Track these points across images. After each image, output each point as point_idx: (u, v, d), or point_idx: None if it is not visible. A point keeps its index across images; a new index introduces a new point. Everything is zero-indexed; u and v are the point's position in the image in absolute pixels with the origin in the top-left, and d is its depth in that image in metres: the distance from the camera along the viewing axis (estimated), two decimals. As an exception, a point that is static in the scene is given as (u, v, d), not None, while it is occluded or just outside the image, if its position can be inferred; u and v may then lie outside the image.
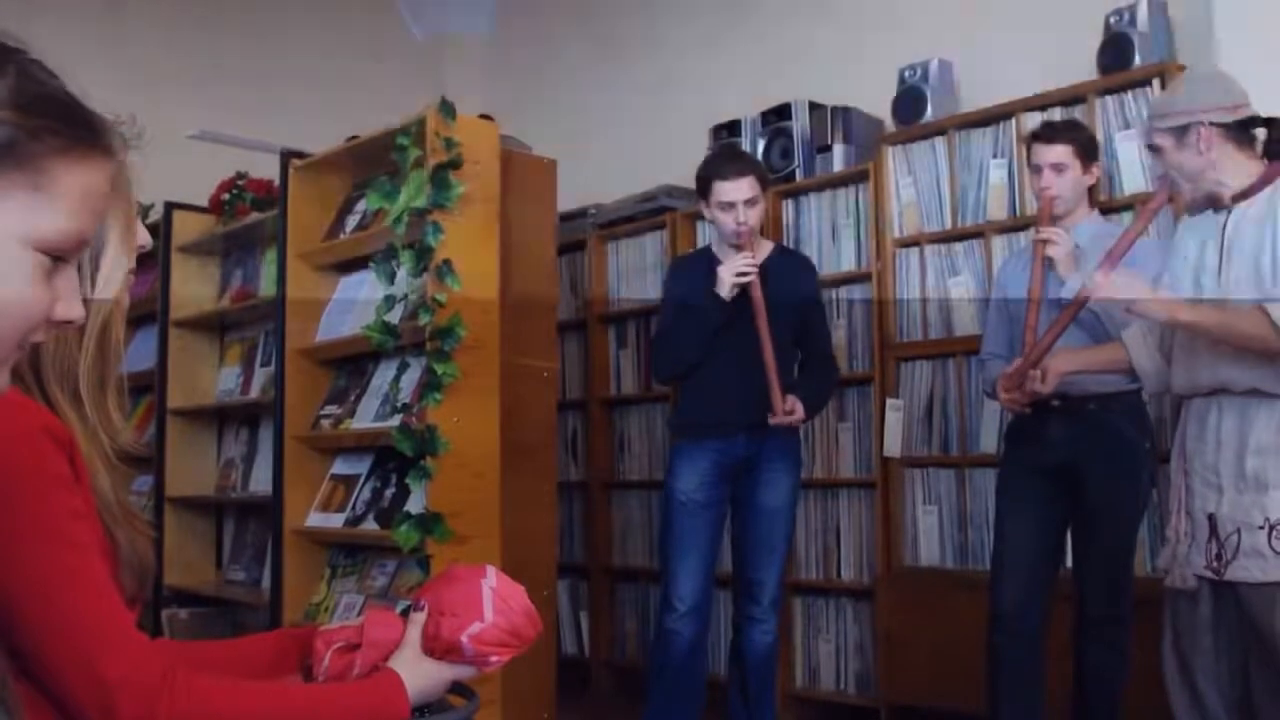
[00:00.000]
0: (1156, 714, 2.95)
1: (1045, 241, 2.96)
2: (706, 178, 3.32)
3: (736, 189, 3.25)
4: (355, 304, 3.62)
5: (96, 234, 1.07)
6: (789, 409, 3.18)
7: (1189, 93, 2.43)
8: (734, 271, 3.21)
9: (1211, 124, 2.36)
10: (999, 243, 3.83)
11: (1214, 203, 2.43)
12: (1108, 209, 3.52)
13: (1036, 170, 3.06)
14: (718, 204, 3.29)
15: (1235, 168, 2.38)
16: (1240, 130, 2.40)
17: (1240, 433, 2.30)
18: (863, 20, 4.65)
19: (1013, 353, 3.09)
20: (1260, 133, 2.43)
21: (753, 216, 3.28)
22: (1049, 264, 2.97)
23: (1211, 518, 2.34)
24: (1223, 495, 2.33)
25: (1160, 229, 3.44)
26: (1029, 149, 3.11)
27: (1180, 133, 2.39)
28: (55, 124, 0.79)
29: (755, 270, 3.20)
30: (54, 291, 0.80)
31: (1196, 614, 2.38)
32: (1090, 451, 2.93)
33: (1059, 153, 3.01)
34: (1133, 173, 3.55)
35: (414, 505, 3.14)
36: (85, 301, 0.88)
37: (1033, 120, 3.65)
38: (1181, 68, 3.51)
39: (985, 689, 3.06)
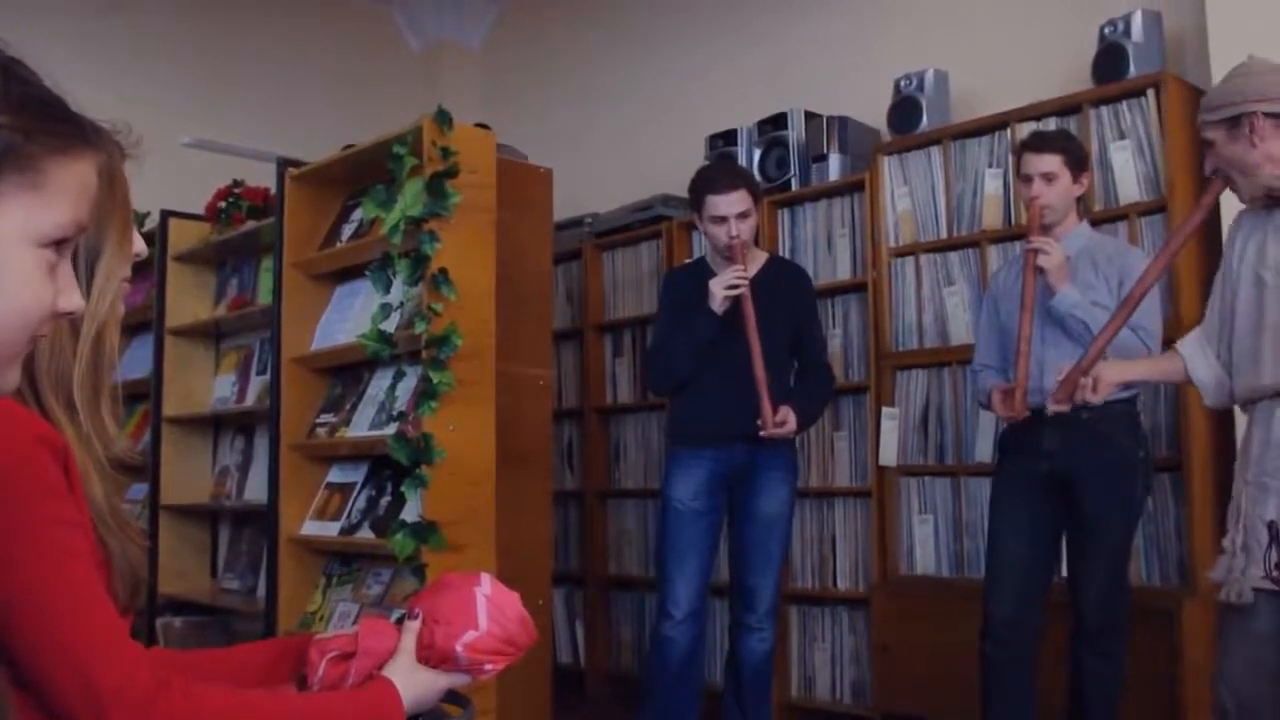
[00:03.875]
0: (1152, 723, 2.95)
1: (1036, 251, 2.96)
2: (699, 191, 3.33)
3: (728, 203, 3.26)
4: (351, 312, 3.62)
5: (92, 241, 1.07)
6: (780, 420, 3.18)
7: (1240, 83, 2.32)
8: (724, 285, 3.21)
9: (1265, 115, 2.26)
10: (994, 252, 3.84)
11: (1273, 197, 2.32)
12: (1102, 219, 3.53)
13: (1026, 179, 3.06)
14: (710, 217, 3.29)
15: None
16: None
17: None
18: (859, 30, 4.66)
19: (1005, 363, 3.09)
20: None
21: (745, 229, 3.28)
22: (1040, 273, 2.97)
23: (1271, 525, 2.21)
24: None
25: (1154, 239, 3.45)
26: (1019, 158, 3.11)
27: (1231, 124, 2.29)
28: (48, 124, 0.81)
29: (746, 284, 3.20)
30: (56, 284, 0.83)
31: (1254, 630, 2.24)
32: (1084, 460, 2.93)
33: (1049, 162, 3.02)
34: (1127, 183, 3.55)
35: (409, 514, 3.14)
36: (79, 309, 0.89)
37: (1027, 130, 3.66)
38: (1175, 78, 3.53)
39: (978, 698, 3.06)
